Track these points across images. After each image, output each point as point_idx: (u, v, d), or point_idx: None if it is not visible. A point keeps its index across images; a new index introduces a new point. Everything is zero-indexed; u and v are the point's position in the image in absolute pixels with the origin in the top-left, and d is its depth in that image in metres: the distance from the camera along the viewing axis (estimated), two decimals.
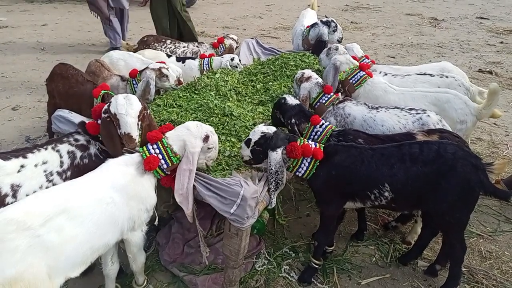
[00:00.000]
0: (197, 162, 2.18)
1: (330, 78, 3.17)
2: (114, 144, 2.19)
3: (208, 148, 2.18)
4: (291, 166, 2.29)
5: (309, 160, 2.26)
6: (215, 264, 2.60)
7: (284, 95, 2.75)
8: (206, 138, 2.15)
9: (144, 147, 2.12)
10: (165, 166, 2.11)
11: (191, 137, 2.12)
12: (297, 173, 2.31)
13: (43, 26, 8.00)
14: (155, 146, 2.11)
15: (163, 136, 2.14)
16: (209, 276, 2.50)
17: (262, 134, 2.21)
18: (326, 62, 3.45)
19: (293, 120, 2.62)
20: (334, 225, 2.55)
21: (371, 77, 3.18)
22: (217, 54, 4.27)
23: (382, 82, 3.13)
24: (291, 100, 2.69)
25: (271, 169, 2.18)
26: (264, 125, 2.30)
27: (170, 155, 2.10)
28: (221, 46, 4.31)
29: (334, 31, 4.15)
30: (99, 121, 2.29)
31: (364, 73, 3.14)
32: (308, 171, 2.28)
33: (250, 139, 2.23)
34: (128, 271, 2.49)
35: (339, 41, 4.29)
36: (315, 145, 2.29)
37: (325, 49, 3.48)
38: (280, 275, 2.62)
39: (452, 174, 2.09)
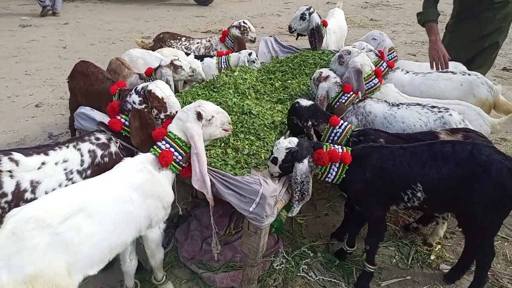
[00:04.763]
0: (214, 135, 2.20)
1: (354, 84, 2.86)
2: (148, 134, 2.25)
3: (208, 120, 2.14)
4: (320, 173, 2.26)
5: (337, 165, 2.22)
6: (233, 262, 2.60)
7: (297, 99, 2.69)
8: (199, 116, 2.12)
9: (154, 146, 2.13)
10: (179, 157, 2.12)
11: (185, 124, 2.11)
12: (327, 179, 2.27)
13: (65, 24, 8.16)
14: (163, 142, 2.12)
15: (167, 131, 2.15)
16: (227, 274, 2.50)
17: (287, 151, 2.16)
18: (341, 70, 3.04)
19: (309, 123, 2.56)
20: (384, 225, 2.48)
21: (381, 83, 3.07)
22: (227, 47, 4.21)
23: (394, 91, 3.02)
24: (305, 102, 2.63)
25: (297, 179, 2.15)
26: (285, 138, 2.24)
27: (181, 145, 2.12)
28: (228, 39, 4.23)
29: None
30: (118, 117, 2.32)
31: (378, 80, 3.01)
32: (338, 176, 2.24)
33: (276, 158, 2.18)
34: (148, 266, 2.51)
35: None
36: (342, 149, 2.25)
37: (336, 57, 3.10)
38: (298, 274, 2.60)
39: (486, 177, 2.01)
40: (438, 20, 3.54)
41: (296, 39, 4.57)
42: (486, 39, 3.65)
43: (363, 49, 3.22)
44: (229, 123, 2.28)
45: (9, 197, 1.88)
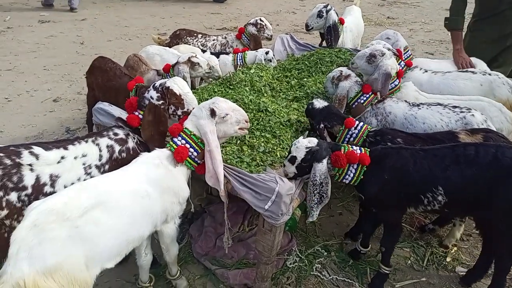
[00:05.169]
0: (228, 133, 2.19)
1: (378, 85, 2.80)
2: (159, 130, 2.27)
3: (222, 118, 2.13)
4: (337, 174, 2.22)
5: (355, 166, 2.18)
6: (247, 259, 2.61)
7: (313, 100, 2.66)
8: (212, 113, 2.11)
9: (170, 141, 2.15)
10: (195, 153, 2.13)
11: (199, 121, 2.12)
12: (344, 180, 2.23)
13: (83, 21, 8.26)
14: (179, 138, 2.13)
15: (184, 127, 2.16)
16: (240, 271, 2.51)
17: (307, 150, 2.12)
18: (367, 69, 2.93)
19: (322, 125, 2.53)
20: (400, 228, 2.43)
21: (400, 81, 3.02)
22: (243, 44, 4.22)
23: (413, 89, 2.98)
24: (319, 103, 2.60)
25: (316, 180, 2.10)
26: (303, 138, 2.21)
27: (197, 141, 2.12)
28: (244, 36, 4.22)
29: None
30: (136, 113, 2.34)
31: (398, 81, 2.97)
32: (355, 177, 2.20)
33: (294, 157, 2.14)
34: (162, 261, 2.53)
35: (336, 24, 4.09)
36: (361, 150, 2.21)
37: (366, 54, 2.91)
38: (311, 273, 2.59)
39: (511, 180, 1.96)
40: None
41: (320, 44, 4.48)
42: (507, 39, 3.58)
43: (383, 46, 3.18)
44: (246, 121, 2.25)
45: (29, 190, 1.90)
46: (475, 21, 3.75)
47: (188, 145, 2.12)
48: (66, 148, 2.07)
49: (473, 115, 2.52)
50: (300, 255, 2.70)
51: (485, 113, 2.66)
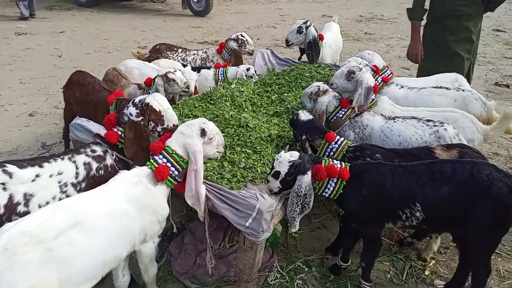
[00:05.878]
0: (208, 154, 2.24)
1: (362, 100, 2.81)
2: (142, 146, 2.25)
3: (210, 139, 2.18)
4: (317, 187, 2.24)
5: (335, 180, 2.21)
6: (227, 277, 2.57)
7: (299, 111, 2.71)
8: (203, 133, 2.14)
9: (151, 159, 2.12)
10: (176, 172, 2.11)
11: (188, 139, 2.11)
12: (324, 194, 2.26)
13: (61, 33, 8.15)
14: (161, 156, 2.11)
15: (165, 145, 2.14)
16: None
17: (291, 163, 2.14)
18: (347, 86, 2.91)
19: (304, 137, 2.58)
20: (380, 242, 2.45)
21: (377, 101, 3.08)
22: (224, 59, 4.25)
23: (389, 103, 3.07)
24: (304, 116, 2.64)
25: (301, 191, 2.12)
26: (285, 152, 2.22)
27: (178, 160, 2.11)
28: (225, 51, 4.26)
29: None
30: (114, 129, 2.31)
31: (374, 96, 3.02)
32: (335, 191, 2.23)
33: (278, 172, 2.15)
34: (140, 281, 2.47)
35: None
36: (341, 164, 2.24)
37: (344, 72, 2.91)
38: None
39: (486, 197, 2.01)
40: (423, 18, 3.76)
41: (299, 58, 4.57)
42: (455, 46, 3.70)
43: (359, 64, 3.24)
44: (223, 146, 2.34)
45: (1, 210, 1.84)
46: (425, 25, 3.90)
47: (169, 164, 2.10)
48: (41, 166, 2.02)
49: (445, 129, 2.60)
50: (281, 271, 2.68)
51: (457, 124, 2.76)
